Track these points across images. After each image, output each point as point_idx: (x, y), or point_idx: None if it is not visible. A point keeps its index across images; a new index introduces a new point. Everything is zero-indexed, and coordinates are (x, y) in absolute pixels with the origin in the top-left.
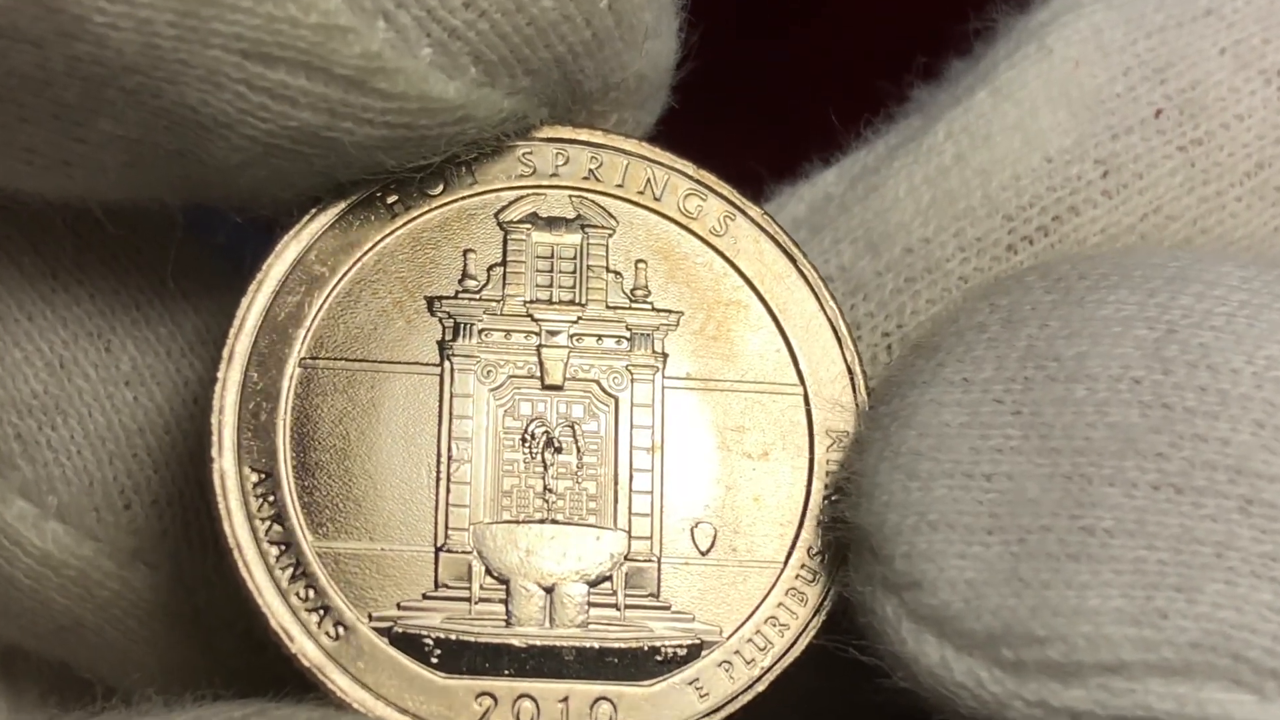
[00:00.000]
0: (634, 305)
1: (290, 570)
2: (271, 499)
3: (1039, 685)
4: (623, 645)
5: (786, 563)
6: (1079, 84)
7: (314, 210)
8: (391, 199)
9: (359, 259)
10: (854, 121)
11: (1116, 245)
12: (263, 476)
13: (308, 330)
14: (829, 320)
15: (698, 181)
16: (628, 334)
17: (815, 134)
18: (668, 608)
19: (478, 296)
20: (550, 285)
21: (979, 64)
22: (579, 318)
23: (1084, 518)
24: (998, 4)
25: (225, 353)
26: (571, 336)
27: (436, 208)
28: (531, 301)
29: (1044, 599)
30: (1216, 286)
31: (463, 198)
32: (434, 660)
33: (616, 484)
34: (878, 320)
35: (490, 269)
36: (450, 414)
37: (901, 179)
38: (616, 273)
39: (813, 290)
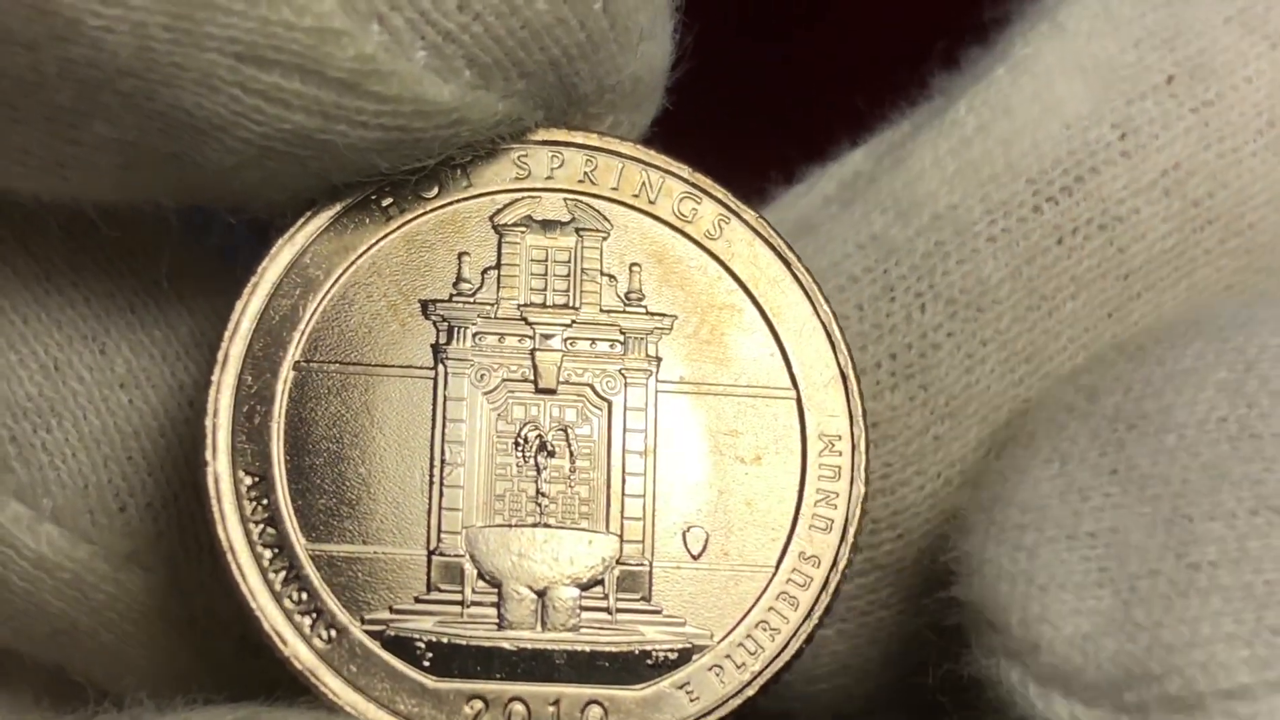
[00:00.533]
0: (628, 309)
1: (284, 573)
2: (265, 502)
3: None
4: (614, 649)
5: (778, 567)
6: (1092, 55)
7: (309, 213)
8: (386, 201)
9: (353, 262)
10: (856, 126)
11: (1140, 201)
12: (256, 480)
13: (302, 333)
14: (823, 324)
15: (693, 184)
16: (621, 338)
17: (817, 138)
18: (659, 611)
19: (472, 300)
20: (544, 289)
21: (996, 47)
22: (573, 321)
23: (1189, 555)
24: (1001, 5)
25: (219, 356)
26: (565, 340)
27: (431, 210)
28: (525, 305)
29: (1158, 637)
30: None
31: (457, 200)
32: (426, 663)
33: (609, 488)
34: (910, 282)
35: (485, 272)
36: (444, 417)
37: (927, 151)
38: (611, 276)
39: (807, 294)
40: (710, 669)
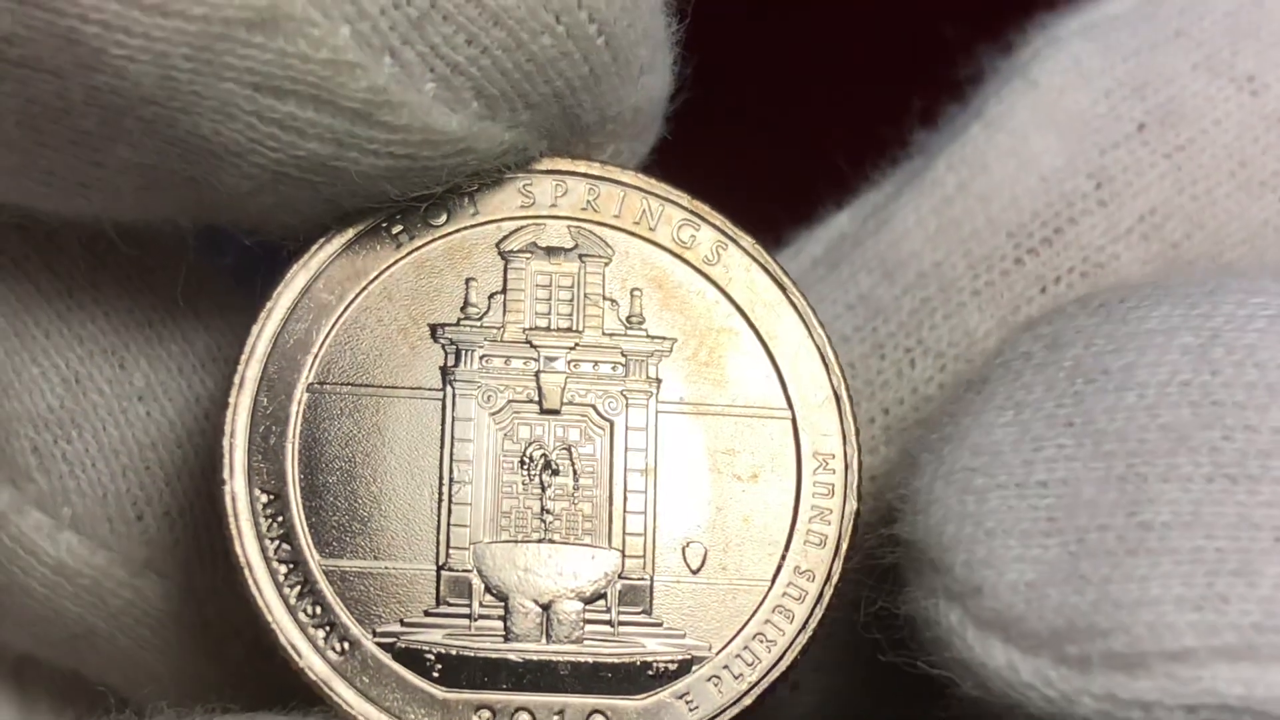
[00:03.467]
0: (629, 332)
1: (298, 588)
2: (280, 519)
3: (1106, 678)
4: (616, 660)
5: (774, 581)
6: (1064, 109)
7: (322, 240)
8: (396, 229)
9: (365, 287)
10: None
11: (1120, 247)
12: (272, 498)
13: (315, 356)
14: (817, 347)
15: (691, 212)
16: (623, 360)
17: (813, 165)
18: (659, 624)
19: (479, 324)
20: (549, 313)
21: (971, 105)
22: (576, 344)
23: (1141, 514)
24: (985, 50)
25: (236, 379)
26: (569, 362)
27: (440, 237)
28: (530, 328)
29: (1105, 593)
30: (1256, 294)
31: (465, 228)
32: (435, 674)
33: (611, 505)
34: (899, 338)
35: (491, 296)
36: (452, 437)
37: (909, 211)
38: (613, 300)
39: (801, 318)
40: (709, 679)
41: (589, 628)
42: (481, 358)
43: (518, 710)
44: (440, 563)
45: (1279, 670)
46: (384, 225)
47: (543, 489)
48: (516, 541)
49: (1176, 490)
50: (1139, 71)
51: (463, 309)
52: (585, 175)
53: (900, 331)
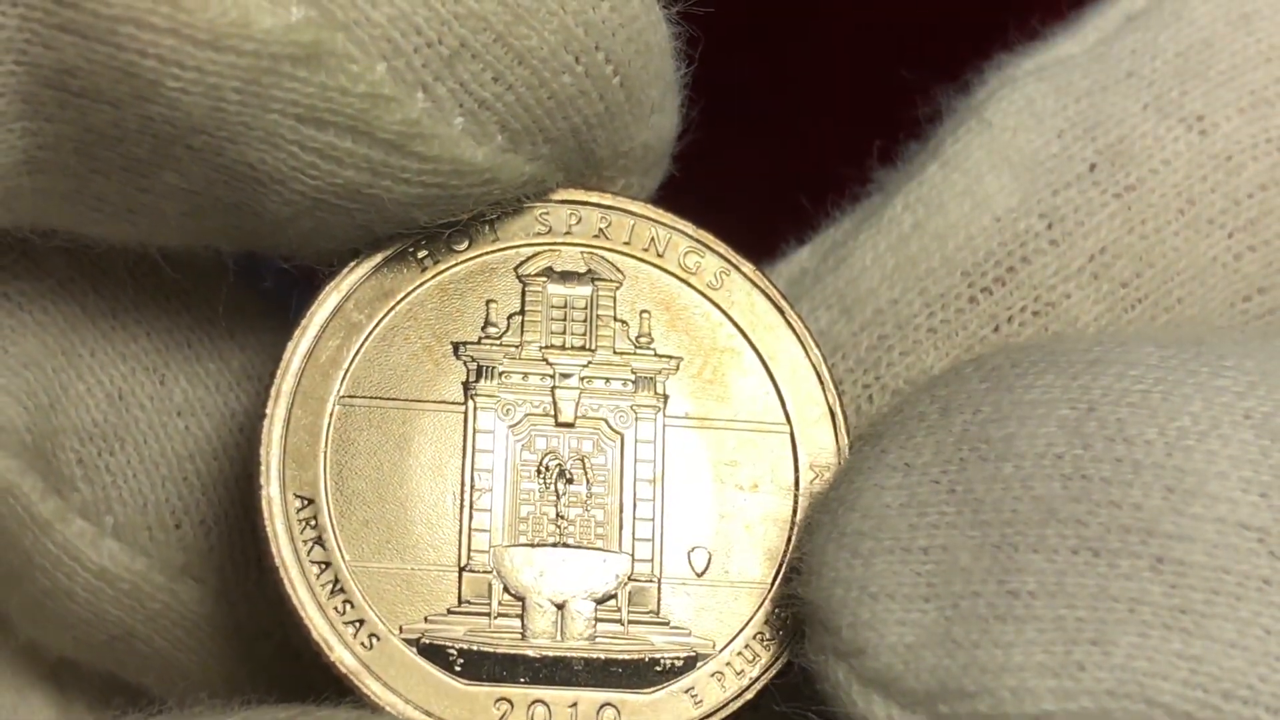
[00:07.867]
0: (638, 351)
1: (329, 587)
2: (313, 523)
3: None
4: (626, 657)
5: (773, 584)
6: (1018, 149)
7: (353, 262)
8: (422, 253)
9: (392, 307)
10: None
11: (1071, 286)
12: (306, 502)
13: (346, 372)
14: (813, 366)
15: (696, 240)
16: (633, 377)
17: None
18: (666, 623)
19: (498, 342)
20: (564, 332)
21: (928, 144)
22: (589, 362)
23: (1010, 582)
24: (944, 88)
25: (273, 392)
26: (582, 379)
27: (462, 261)
28: (546, 347)
29: (974, 657)
30: (1135, 366)
31: (486, 253)
32: (457, 669)
33: (622, 512)
34: (857, 375)
35: (510, 317)
36: (473, 448)
37: (867, 249)
38: (623, 321)
39: (799, 339)
40: (712, 675)
41: (601, 626)
42: (501, 374)
43: (534, 703)
44: (462, 564)
45: None
46: (411, 250)
47: (558, 496)
48: (533, 545)
49: (1043, 561)
50: (1090, 112)
51: (483, 328)
52: (598, 205)
53: (858, 368)
